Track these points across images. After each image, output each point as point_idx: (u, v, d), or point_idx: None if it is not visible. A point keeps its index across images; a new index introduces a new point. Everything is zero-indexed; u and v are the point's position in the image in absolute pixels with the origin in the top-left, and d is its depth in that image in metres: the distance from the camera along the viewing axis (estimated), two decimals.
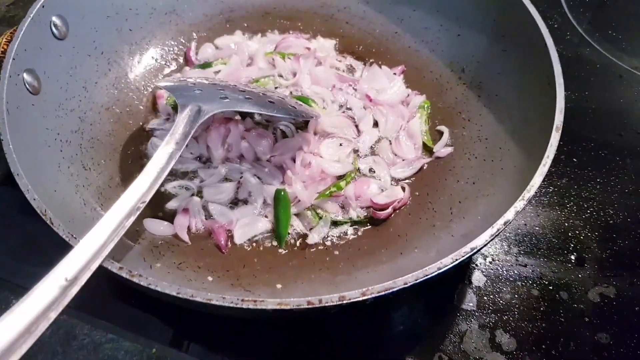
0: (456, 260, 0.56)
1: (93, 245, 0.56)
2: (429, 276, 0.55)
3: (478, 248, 0.58)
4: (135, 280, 0.55)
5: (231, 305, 0.54)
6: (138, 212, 0.61)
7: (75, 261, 0.54)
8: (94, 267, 0.55)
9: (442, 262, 0.56)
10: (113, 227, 0.58)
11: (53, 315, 0.50)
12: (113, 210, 0.60)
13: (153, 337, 0.74)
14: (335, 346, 0.74)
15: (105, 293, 0.78)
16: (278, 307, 0.53)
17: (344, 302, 0.54)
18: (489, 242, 0.59)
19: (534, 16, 0.79)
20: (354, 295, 0.54)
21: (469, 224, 0.72)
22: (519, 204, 0.61)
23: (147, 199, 0.62)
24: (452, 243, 0.70)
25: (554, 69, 0.73)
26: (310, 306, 0.54)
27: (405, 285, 0.55)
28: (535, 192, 0.84)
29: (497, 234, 0.59)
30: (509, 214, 0.60)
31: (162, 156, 0.66)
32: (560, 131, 0.67)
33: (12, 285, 0.78)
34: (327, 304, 0.54)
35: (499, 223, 0.59)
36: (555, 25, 1.14)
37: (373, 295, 0.54)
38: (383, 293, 0.54)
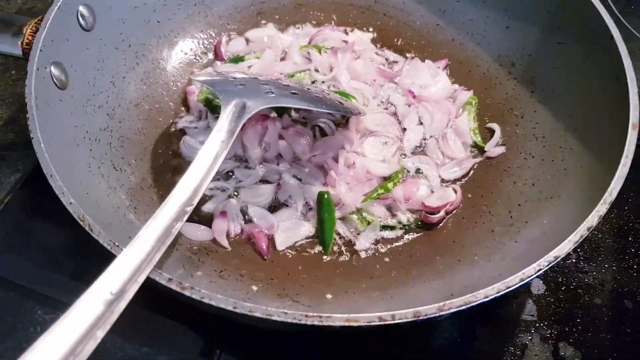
0: (539, 269, 0.52)
1: (139, 254, 0.51)
2: (511, 288, 0.50)
3: (562, 256, 0.53)
4: (187, 293, 0.50)
5: (294, 321, 0.49)
6: (185, 217, 0.56)
7: (121, 272, 0.49)
8: (141, 278, 0.50)
9: (524, 272, 0.51)
10: (159, 234, 0.53)
11: (100, 334, 0.45)
12: (158, 216, 0.55)
13: (184, 349, 0.69)
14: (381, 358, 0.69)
15: (139, 305, 0.73)
16: (347, 323, 0.49)
17: (420, 318, 0.49)
18: (571, 250, 0.54)
19: (596, 7, 0.73)
20: (430, 310, 0.49)
21: (535, 229, 0.66)
22: (602, 208, 0.56)
23: (195, 202, 0.57)
24: (518, 249, 0.65)
25: (624, 63, 0.68)
26: (382, 323, 0.49)
27: (487, 299, 0.50)
28: None
29: (579, 240, 0.54)
30: (592, 219, 0.55)
31: (207, 155, 0.60)
32: (637, 129, 0.62)
33: (36, 295, 0.73)
34: (400, 321, 0.49)
35: (582, 229, 0.54)
36: None
37: (452, 310, 0.49)
38: (463, 307, 0.49)
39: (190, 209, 0.57)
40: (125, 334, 0.70)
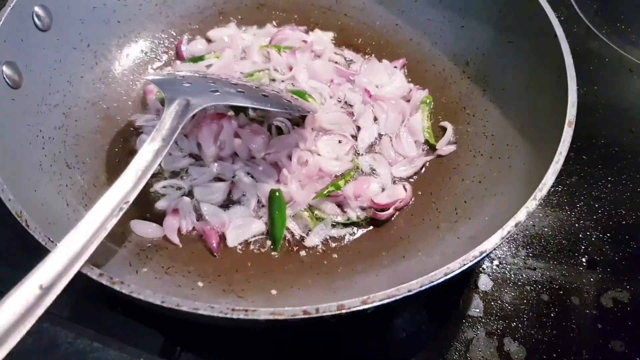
0: (464, 265, 0.52)
1: (71, 250, 0.52)
2: (434, 282, 0.51)
3: (488, 251, 0.53)
4: (116, 288, 0.51)
5: (220, 315, 0.50)
6: (121, 213, 0.57)
7: (52, 267, 0.50)
8: (72, 273, 0.51)
9: (449, 267, 0.52)
10: (93, 230, 0.54)
11: (26, 327, 0.46)
12: (93, 212, 0.55)
13: (141, 346, 0.70)
14: (334, 355, 0.70)
15: (90, 299, 0.73)
16: (272, 317, 0.49)
17: (343, 311, 0.50)
18: (498, 245, 0.55)
19: (542, 6, 0.75)
20: (354, 304, 0.50)
21: (476, 225, 0.67)
22: (531, 204, 0.57)
23: (131, 199, 0.58)
24: (458, 245, 0.66)
25: (565, 61, 0.69)
26: (306, 316, 0.49)
27: (410, 293, 0.51)
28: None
29: (507, 236, 0.55)
30: (520, 215, 0.56)
31: (147, 153, 0.61)
32: (572, 126, 0.63)
33: None
34: (324, 314, 0.50)
35: (510, 224, 0.55)
36: (562, 18, 1.09)
37: (375, 304, 0.50)
38: (386, 301, 0.50)
39: (126, 206, 0.57)
40: (77, 328, 0.70)
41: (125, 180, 0.59)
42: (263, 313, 0.49)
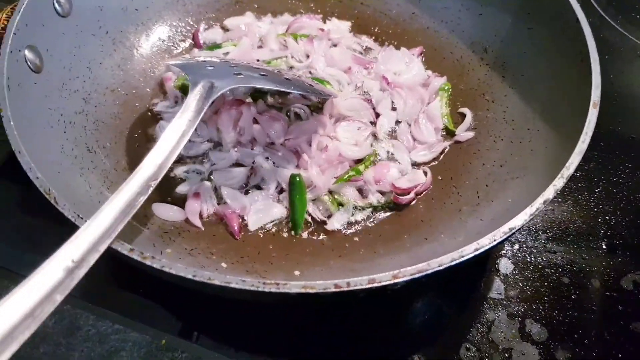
0: (494, 240, 0.52)
1: (101, 226, 0.52)
2: (465, 258, 0.51)
3: (517, 228, 0.54)
4: (147, 262, 0.51)
5: (252, 288, 0.50)
6: (149, 191, 0.57)
7: (82, 242, 0.50)
8: (102, 248, 0.51)
9: (479, 242, 0.52)
10: (122, 207, 0.54)
11: (59, 298, 0.46)
12: (123, 190, 0.56)
13: (162, 327, 0.70)
14: (355, 337, 0.70)
15: (111, 282, 0.74)
16: (303, 290, 0.50)
17: (374, 285, 0.50)
18: (527, 223, 0.55)
19: None
20: (384, 277, 0.50)
21: (499, 208, 0.68)
22: (559, 182, 0.57)
23: (159, 177, 0.58)
24: (481, 227, 0.66)
25: (588, 44, 0.69)
26: (337, 289, 0.50)
27: (440, 268, 0.51)
28: None
29: (536, 213, 0.55)
30: (549, 192, 0.56)
31: (173, 134, 0.62)
32: (597, 107, 0.63)
33: (12, 274, 0.74)
34: (355, 287, 0.50)
35: (538, 202, 0.55)
36: None
37: (405, 278, 0.50)
38: (417, 275, 0.50)
39: (154, 184, 0.58)
40: (98, 311, 0.71)
41: (152, 160, 0.59)
42: (295, 286, 0.49)
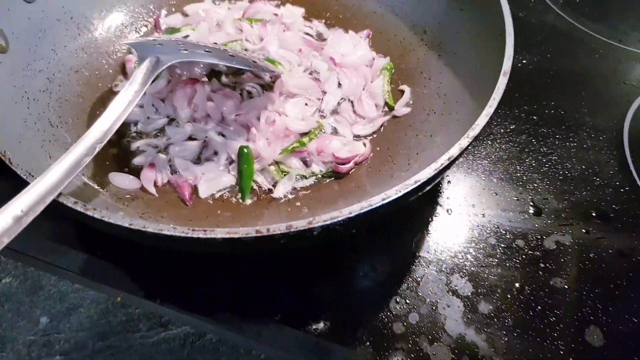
0: (399, 192, 0.58)
1: (49, 181, 0.58)
2: (373, 206, 0.57)
3: (422, 181, 0.60)
4: (89, 213, 0.57)
5: (182, 235, 0.56)
6: (95, 152, 0.63)
7: (31, 194, 0.56)
8: (49, 200, 0.57)
9: (386, 193, 0.58)
10: (69, 166, 0.60)
11: (5, 240, 0.52)
12: (71, 151, 0.62)
13: (118, 286, 0.76)
14: (298, 295, 0.76)
15: (73, 245, 0.80)
16: (227, 235, 0.55)
17: (291, 230, 0.56)
18: (434, 177, 0.61)
19: None
20: (300, 224, 0.56)
21: (423, 173, 0.73)
22: (464, 142, 0.63)
23: (105, 140, 0.64)
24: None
25: (505, 19, 0.75)
26: (258, 235, 0.56)
27: (350, 215, 0.56)
28: (495, 148, 0.88)
29: (440, 168, 0.61)
30: (453, 150, 0.62)
31: (120, 102, 0.68)
32: (507, 76, 0.69)
33: None
34: (274, 233, 0.56)
35: (443, 158, 0.61)
36: None
37: (319, 224, 0.56)
38: (329, 222, 0.56)
39: (100, 146, 0.64)
40: (59, 272, 0.77)
41: (100, 125, 0.66)
42: (220, 232, 0.56)
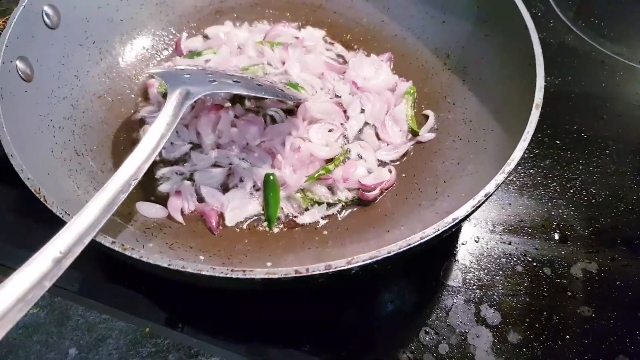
0: (438, 230, 0.58)
1: (85, 220, 0.58)
2: (412, 245, 0.57)
3: (460, 218, 0.59)
4: (127, 253, 0.57)
5: (221, 275, 0.55)
6: (130, 189, 0.63)
7: (69, 235, 0.56)
8: (87, 240, 0.56)
9: (425, 232, 0.58)
10: (105, 204, 0.60)
11: (47, 284, 0.52)
12: (106, 188, 0.62)
13: (147, 317, 0.76)
14: (327, 325, 0.76)
15: (100, 276, 0.80)
16: (266, 276, 0.55)
17: (330, 270, 0.56)
18: (471, 214, 0.61)
19: (515, 1, 0.81)
20: (339, 264, 0.56)
21: (453, 202, 0.73)
22: (500, 177, 0.63)
23: (139, 177, 0.64)
24: (436, 219, 0.71)
25: (535, 50, 0.75)
26: (297, 275, 0.55)
27: (389, 255, 0.56)
28: (520, 173, 0.87)
29: (478, 205, 0.61)
30: (490, 187, 0.62)
31: (153, 136, 0.67)
32: (539, 108, 0.69)
33: (6, 269, 0.80)
34: (314, 273, 0.55)
35: (480, 194, 0.61)
36: (539, 14, 1.16)
37: (358, 264, 0.56)
38: (368, 261, 0.56)
39: (135, 182, 0.64)
40: (87, 302, 0.76)
41: (133, 161, 0.65)
42: (259, 273, 0.55)
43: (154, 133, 0.68)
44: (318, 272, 0.55)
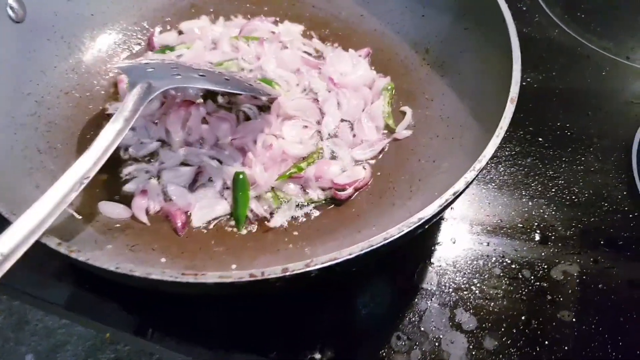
0: (402, 230, 0.55)
1: (31, 221, 0.55)
2: (374, 247, 0.54)
3: (425, 219, 0.57)
4: (73, 256, 0.54)
5: (170, 279, 0.52)
6: (81, 188, 0.60)
7: (12, 236, 0.53)
8: (31, 241, 0.54)
9: (388, 232, 0.55)
10: (54, 203, 0.58)
11: None
12: (55, 187, 0.59)
13: (108, 322, 0.73)
14: (295, 331, 0.73)
15: (60, 279, 0.77)
16: (219, 280, 0.52)
17: (287, 274, 0.53)
18: (438, 214, 0.58)
19: None
20: (297, 267, 0.53)
21: (426, 200, 0.70)
22: (470, 175, 0.60)
23: (92, 175, 0.61)
24: (407, 219, 0.69)
25: (512, 43, 0.72)
26: (252, 279, 0.52)
27: (350, 257, 0.53)
28: (500, 172, 0.85)
29: (445, 204, 0.58)
30: (459, 185, 0.59)
31: (109, 133, 0.65)
32: (514, 103, 0.66)
33: None
34: (269, 277, 0.52)
35: (448, 193, 0.58)
36: (524, 8, 1.13)
37: (317, 267, 0.53)
38: (328, 264, 0.53)
39: (86, 181, 0.61)
40: (46, 306, 0.74)
41: (87, 158, 0.63)
42: (211, 277, 0.52)
43: (110, 129, 0.65)
44: (275, 276, 0.52)
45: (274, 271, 0.53)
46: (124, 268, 0.53)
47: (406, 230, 0.55)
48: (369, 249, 0.54)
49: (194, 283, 0.52)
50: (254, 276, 0.53)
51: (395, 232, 0.55)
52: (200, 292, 0.62)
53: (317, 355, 0.70)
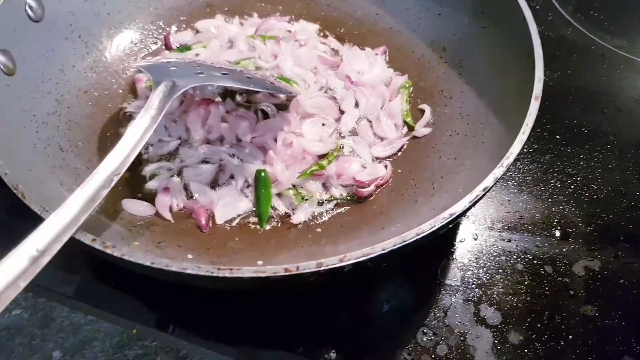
0: (434, 226, 0.56)
1: (65, 217, 0.55)
2: (407, 242, 0.54)
3: (457, 214, 0.57)
4: (108, 251, 0.54)
5: (207, 274, 0.53)
6: (112, 184, 0.60)
7: (47, 232, 0.53)
8: (65, 237, 0.54)
9: (420, 228, 0.55)
10: (85, 200, 0.58)
11: (22, 284, 0.49)
12: (86, 184, 0.59)
13: (134, 318, 0.73)
14: (321, 327, 0.73)
15: (86, 276, 0.77)
16: (255, 275, 0.52)
17: (322, 268, 0.53)
18: (468, 209, 0.58)
19: None
20: (331, 261, 0.53)
21: (450, 197, 0.71)
22: (498, 171, 0.60)
23: (121, 172, 0.62)
24: (433, 215, 0.68)
25: (533, 41, 0.73)
26: (287, 273, 0.53)
27: (384, 251, 0.54)
28: (519, 169, 0.85)
29: (476, 200, 0.58)
30: (488, 181, 0.59)
31: (136, 130, 0.65)
32: (539, 100, 0.67)
33: None
34: (304, 271, 0.53)
35: (478, 189, 0.59)
36: (537, 7, 1.14)
37: (351, 262, 0.53)
38: (361, 259, 0.53)
39: (117, 178, 0.61)
40: (72, 303, 0.74)
41: (116, 155, 0.63)
42: (247, 271, 0.52)
43: (137, 126, 0.65)
44: (309, 271, 0.53)
45: (308, 266, 0.53)
46: (159, 263, 0.53)
47: (438, 225, 0.56)
48: (401, 244, 0.54)
49: (230, 278, 0.53)
50: (289, 271, 0.53)
51: (427, 227, 0.56)
52: (231, 287, 0.62)
53: (333, 355, 0.70)
